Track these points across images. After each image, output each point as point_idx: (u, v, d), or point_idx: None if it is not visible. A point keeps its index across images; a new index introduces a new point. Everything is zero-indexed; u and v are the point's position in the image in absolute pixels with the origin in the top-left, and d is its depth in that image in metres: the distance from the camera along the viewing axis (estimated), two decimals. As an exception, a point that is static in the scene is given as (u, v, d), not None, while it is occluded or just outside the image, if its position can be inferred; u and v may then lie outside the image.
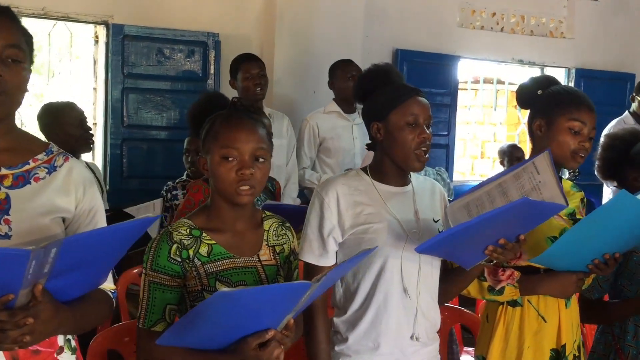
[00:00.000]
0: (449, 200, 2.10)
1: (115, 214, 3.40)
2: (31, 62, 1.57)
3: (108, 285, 1.67)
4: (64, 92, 5.39)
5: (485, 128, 7.61)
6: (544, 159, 1.87)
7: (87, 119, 3.51)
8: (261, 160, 1.71)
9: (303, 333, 1.92)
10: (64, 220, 1.62)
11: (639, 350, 2.35)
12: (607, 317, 2.40)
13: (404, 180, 2.01)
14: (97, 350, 2.27)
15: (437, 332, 2.07)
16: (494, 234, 1.79)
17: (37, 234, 1.52)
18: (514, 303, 2.14)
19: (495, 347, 2.13)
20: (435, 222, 1.99)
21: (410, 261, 1.92)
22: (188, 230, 1.71)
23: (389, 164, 1.98)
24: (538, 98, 2.18)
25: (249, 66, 3.85)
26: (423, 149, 1.92)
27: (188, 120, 2.40)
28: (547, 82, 2.21)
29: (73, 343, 1.68)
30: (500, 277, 2.06)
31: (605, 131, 4.23)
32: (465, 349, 3.31)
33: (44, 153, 1.62)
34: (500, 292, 2.08)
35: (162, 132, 4.58)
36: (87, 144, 3.45)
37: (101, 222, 1.69)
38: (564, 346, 2.13)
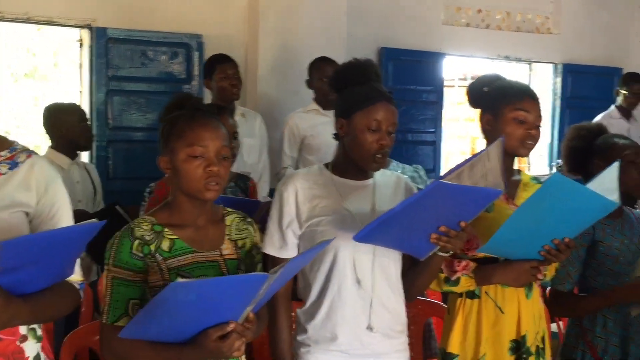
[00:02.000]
0: None
1: (106, 210, 3.45)
2: None
3: (75, 277, 1.71)
4: (53, 96, 5.43)
5: (475, 124, 7.63)
6: (496, 147, 1.91)
7: (88, 120, 3.76)
8: (226, 158, 1.75)
9: (268, 325, 1.95)
10: (27, 214, 1.66)
11: (608, 342, 2.37)
12: (576, 310, 2.41)
13: (364, 175, 2.05)
14: (70, 347, 2.30)
15: (409, 327, 2.10)
16: (430, 221, 1.82)
17: None
18: (472, 295, 2.16)
19: (454, 339, 2.16)
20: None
21: (363, 253, 1.96)
22: (150, 226, 1.74)
23: (348, 160, 2.03)
24: (485, 95, 2.22)
25: (224, 67, 3.90)
26: (380, 155, 1.96)
27: (160, 122, 2.42)
28: (491, 79, 2.25)
29: (39, 332, 1.72)
30: (455, 267, 2.08)
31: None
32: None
33: (8, 150, 1.68)
34: (456, 282, 2.11)
35: (146, 133, 4.60)
36: (87, 142, 3.71)
37: (64, 219, 1.73)
38: (524, 337, 2.14)
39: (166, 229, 1.75)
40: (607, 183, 2.04)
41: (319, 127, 4.05)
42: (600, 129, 2.56)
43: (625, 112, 5.44)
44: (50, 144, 3.68)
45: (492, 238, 1.93)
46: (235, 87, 3.90)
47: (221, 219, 1.85)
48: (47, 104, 3.78)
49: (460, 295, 2.17)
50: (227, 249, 1.80)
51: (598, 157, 2.46)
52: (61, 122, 3.59)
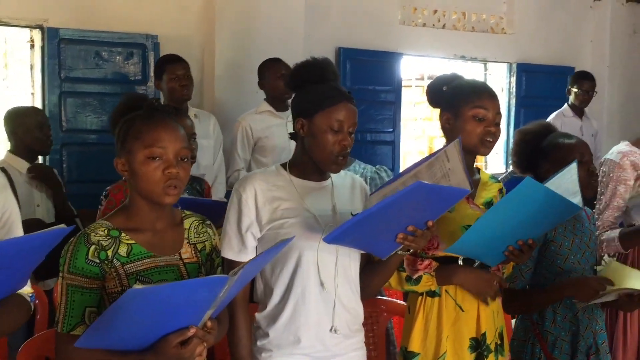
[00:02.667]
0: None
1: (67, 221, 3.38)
2: None
3: (25, 289, 1.67)
4: (4, 98, 5.28)
5: (433, 124, 7.71)
6: (454, 147, 1.92)
7: (49, 125, 3.65)
8: (185, 160, 1.72)
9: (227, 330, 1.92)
10: None
11: (557, 336, 2.41)
12: (528, 306, 2.45)
13: (322, 176, 2.04)
14: (26, 357, 2.24)
15: (372, 327, 2.09)
16: (401, 221, 1.82)
17: None
18: (432, 293, 2.17)
19: (415, 338, 2.17)
20: (353, 215, 2.01)
21: (326, 254, 1.95)
22: (106, 231, 1.70)
23: (308, 160, 2.00)
24: (444, 94, 2.24)
25: (174, 67, 3.84)
26: (342, 156, 1.95)
27: (110, 123, 2.37)
28: (450, 79, 2.27)
29: None
30: (418, 266, 2.09)
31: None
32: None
33: None
34: (418, 281, 2.11)
35: (101, 135, 4.51)
36: (46, 146, 3.59)
37: (14, 226, 1.68)
38: (484, 334, 2.17)
39: (123, 234, 1.70)
40: (567, 185, 2.08)
41: (273, 128, 4.03)
42: (546, 129, 2.58)
43: (578, 110, 5.55)
44: (9, 148, 3.61)
45: (461, 239, 1.95)
46: (186, 88, 3.84)
47: (180, 222, 1.82)
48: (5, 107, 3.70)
49: (421, 294, 2.18)
50: (186, 253, 1.77)
51: (544, 159, 2.48)
52: (18, 126, 3.51)
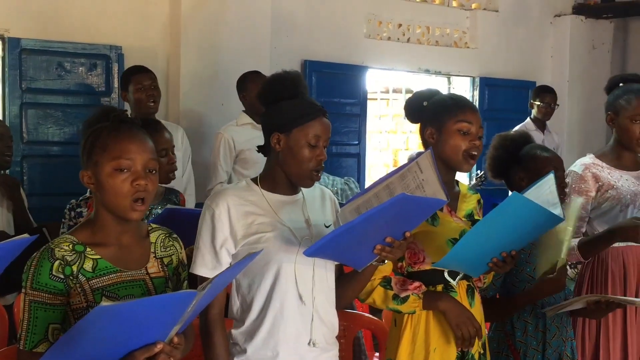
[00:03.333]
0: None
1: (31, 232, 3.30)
2: None
3: None
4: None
5: (398, 137, 7.75)
6: (426, 158, 1.93)
7: (10, 136, 3.54)
8: (153, 172, 1.69)
9: (202, 348, 1.90)
10: None
11: (528, 346, 2.45)
12: (499, 313, 2.49)
13: (294, 189, 2.03)
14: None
15: (337, 338, 2.09)
16: (380, 232, 1.82)
17: None
18: None
19: (403, 351, 2.18)
20: (327, 227, 2.01)
21: (304, 267, 1.94)
22: (71, 246, 1.66)
23: (280, 175, 2.00)
24: (425, 109, 2.26)
25: (140, 78, 3.77)
26: (317, 170, 1.95)
27: (82, 136, 2.34)
28: (430, 94, 2.30)
29: None
30: (408, 286, 2.11)
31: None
32: (377, 354, 3.34)
33: None
34: (404, 300, 2.13)
35: (64, 147, 4.44)
36: (4, 160, 3.47)
37: None
38: None
39: (88, 249, 1.67)
40: (546, 196, 2.11)
41: (255, 140, 3.98)
42: (525, 139, 2.65)
43: (540, 123, 5.66)
44: None
45: (451, 252, 1.98)
46: (152, 98, 3.77)
47: (146, 235, 1.79)
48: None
49: None
50: (152, 267, 1.75)
51: (520, 167, 2.55)
52: None
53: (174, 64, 4.76)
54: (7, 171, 4.23)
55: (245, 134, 4.07)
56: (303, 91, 2.00)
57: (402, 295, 2.13)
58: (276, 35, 5.15)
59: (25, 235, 1.45)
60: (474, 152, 2.17)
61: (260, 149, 2.06)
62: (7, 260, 1.45)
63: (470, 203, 2.30)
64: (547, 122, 5.71)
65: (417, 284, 2.15)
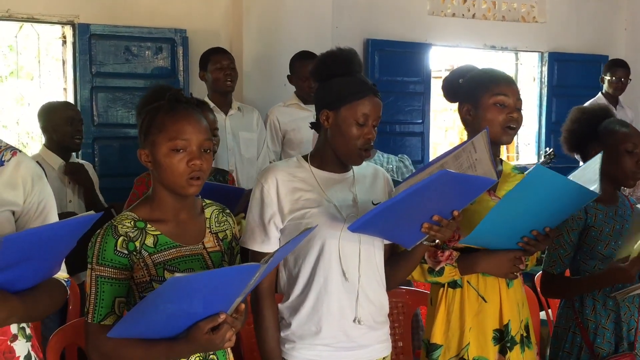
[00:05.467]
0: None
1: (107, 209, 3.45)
2: None
3: (61, 274, 1.71)
4: (38, 94, 5.38)
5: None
6: (482, 138, 1.90)
7: (80, 120, 3.69)
8: (208, 151, 1.73)
9: (253, 320, 1.94)
10: (14, 213, 1.64)
11: (597, 324, 2.40)
12: (568, 292, 2.43)
13: (344, 168, 2.04)
14: (57, 345, 2.28)
15: (398, 317, 2.09)
16: (426, 210, 1.81)
17: None
18: (454, 284, 2.16)
19: (437, 330, 2.15)
20: (374, 204, 2.00)
21: (349, 243, 1.94)
22: (132, 223, 1.72)
23: (330, 152, 2.00)
24: (461, 86, 2.22)
25: (219, 57, 3.92)
26: (365, 149, 1.94)
27: (137, 114, 2.40)
28: (466, 70, 2.26)
29: (28, 331, 1.71)
30: (439, 258, 2.08)
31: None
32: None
33: None
34: (440, 272, 2.10)
35: (132, 129, 4.56)
36: (73, 141, 3.61)
37: (51, 215, 1.72)
38: (507, 326, 2.14)
39: (149, 225, 1.73)
40: (589, 173, 2.05)
41: (299, 121, 4.04)
42: (605, 113, 2.56)
43: (612, 98, 5.44)
44: (44, 142, 3.69)
45: (475, 230, 1.93)
46: (229, 77, 3.92)
47: (201, 211, 1.84)
48: (32, 102, 3.76)
49: (443, 285, 2.17)
50: (209, 242, 1.80)
51: (597, 142, 2.46)
52: (49, 121, 3.58)
53: (237, 46, 4.81)
54: (80, 153, 4.43)
55: (290, 114, 4.13)
56: (357, 69, 1.99)
57: (437, 268, 2.10)
58: (337, 14, 5.13)
59: (92, 212, 1.51)
60: (512, 125, 2.12)
61: (312, 125, 2.07)
62: (74, 237, 1.51)
63: (512, 183, 2.23)
64: (620, 97, 5.49)
65: (447, 253, 2.10)
